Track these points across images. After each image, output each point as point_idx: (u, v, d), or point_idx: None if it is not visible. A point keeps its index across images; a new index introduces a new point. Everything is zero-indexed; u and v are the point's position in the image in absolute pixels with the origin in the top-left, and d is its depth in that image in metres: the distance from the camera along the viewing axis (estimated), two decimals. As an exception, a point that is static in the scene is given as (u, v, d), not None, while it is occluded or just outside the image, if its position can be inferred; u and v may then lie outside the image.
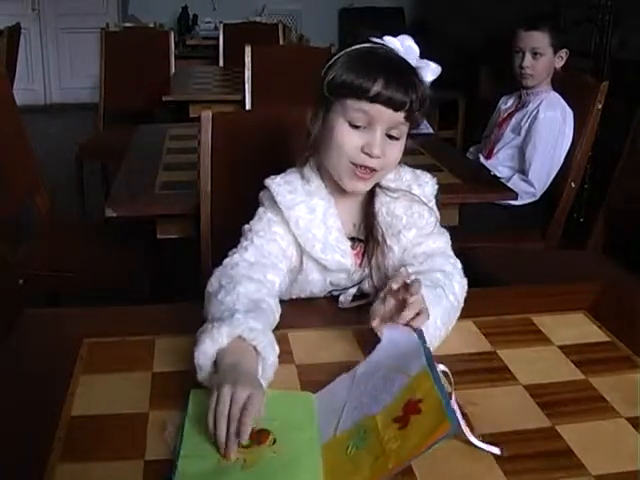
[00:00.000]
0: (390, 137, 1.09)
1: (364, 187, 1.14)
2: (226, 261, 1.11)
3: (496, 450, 0.82)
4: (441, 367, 0.88)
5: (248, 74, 3.10)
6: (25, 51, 5.93)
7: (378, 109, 1.06)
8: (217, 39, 4.57)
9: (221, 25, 4.58)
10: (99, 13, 6.21)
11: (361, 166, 1.09)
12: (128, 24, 5.38)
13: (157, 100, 3.27)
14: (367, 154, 1.08)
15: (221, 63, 4.39)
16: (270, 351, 0.93)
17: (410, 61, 1.09)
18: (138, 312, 1.17)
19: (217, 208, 1.65)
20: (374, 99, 1.05)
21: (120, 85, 3.69)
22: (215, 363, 0.91)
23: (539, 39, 2.34)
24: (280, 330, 1.07)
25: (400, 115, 1.07)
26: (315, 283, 1.18)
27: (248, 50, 3.12)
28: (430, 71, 1.10)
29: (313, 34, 5.13)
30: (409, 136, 1.14)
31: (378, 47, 1.10)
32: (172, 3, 6.39)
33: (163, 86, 3.44)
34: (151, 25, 4.88)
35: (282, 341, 1.04)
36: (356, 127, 1.08)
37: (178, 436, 0.83)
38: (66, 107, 6.23)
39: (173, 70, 3.89)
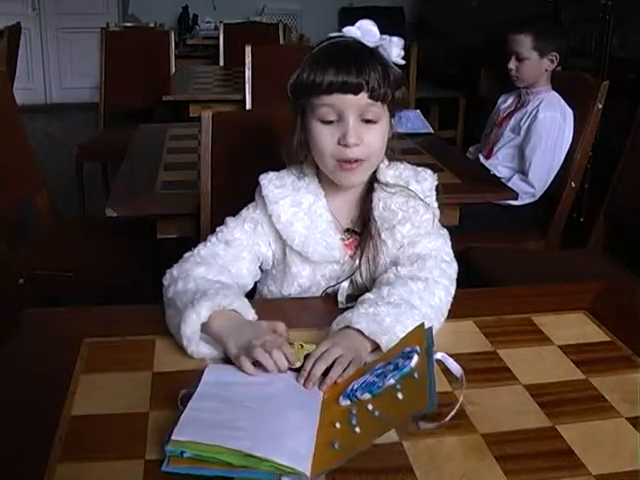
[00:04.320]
0: (367, 121, 1.10)
1: (357, 179, 1.16)
2: (186, 255, 1.16)
3: (458, 369, 0.89)
4: (439, 355, 0.90)
5: (248, 74, 3.10)
6: (25, 51, 5.93)
7: (338, 98, 1.08)
8: (217, 39, 4.58)
9: (221, 25, 4.58)
10: (99, 13, 6.22)
11: (345, 160, 1.11)
12: (128, 24, 5.38)
13: (157, 100, 3.28)
14: (345, 145, 1.09)
15: (221, 63, 4.39)
16: (248, 312, 1.03)
17: (370, 43, 1.10)
18: (138, 312, 1.17)
19: (217, 208, 1.65)
20: (330, 89, 1.07)
21: (120, 85, 3.69)
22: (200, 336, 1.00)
23: (521, 43, 2.36)
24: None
25: (363, 97, 1.08)
26: (302, 276, 1.20)
27: (248, 50, 3.12)
28: (394, 46, 1.11)
29: (313, 34, 5.12)
30: (397, 132, 1.15)
31: (336, 41, 1.11)
32: (172, 3, 6.39)
33: (163, 86, 3.44)
34: (151, 25, 4.89)
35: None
36: (329, 122, 1.10)
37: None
38: (66, 107, 6.23)
39: (173, 70, 3.89)
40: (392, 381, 0.87)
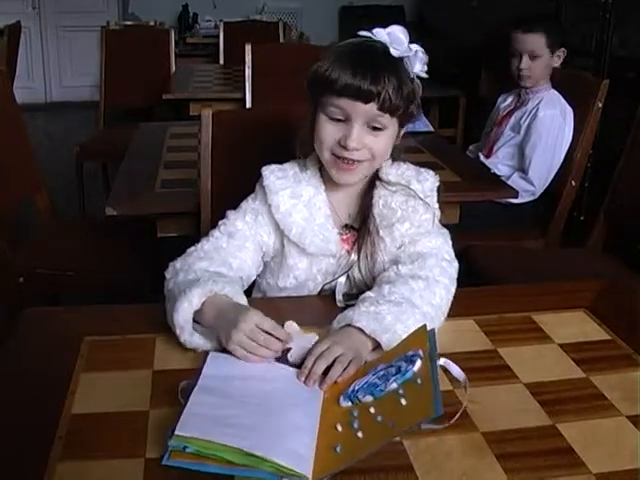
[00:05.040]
0: (373, 128, 1.10)
1: (352, 178, 1.16)
2: (189, 250, 1.16)
3: (461, 374, 0.90)
4: (441, 361, 0.90)
5: (248, 72, 3.10)
6: (25, 49, 5.93)
7: (348, 103, 1.07)
8: (217, 37, 4.57)
9: (221, 23, 4.58)
10: (99, 11, 6.22)
11: (342, 158, 1.11)
12: (128, 22, 5.37)
13: (157, 98, 3.27)
14: (344, 147, 1.10)
15: (221, 61, 4.39)
16: (239, 297, 1.04)
17: (397, 51, 1.08)
18: (139, 310, 1.17)
19: (217, 206, 1.65)
20: (342, 92, 1.07)
21: (120, 83, 3.69)
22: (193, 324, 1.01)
23: (536, 41, 2.34)
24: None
25: (372, 107, 1.07)
26: (299, 268, 1.20)
27: (248, 48, 3.11)
28: (418, 60, 1.10)
29: (313, 32, 5.14)
30: (407, 132, 1.15)
31: (362, 40, 1.10)
32: (172, 1, 6.39)
33: (163, 84, 3.44)
34: (151, 23, 4.89)
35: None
36: (336, 120, 1.10)
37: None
38: (66, 105, 6.23)
39: (173, 68, 3.89)
40: (395, 385, 0.87)
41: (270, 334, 0.96)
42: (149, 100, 3.64)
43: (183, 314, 1.00)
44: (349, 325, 1.01)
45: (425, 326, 0.97)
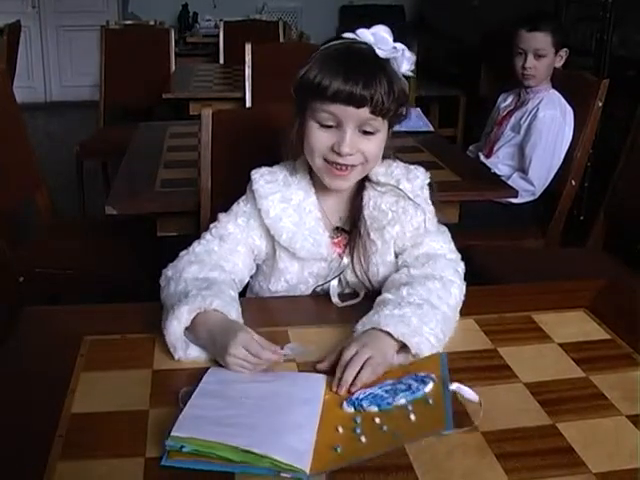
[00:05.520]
0: (365, 132, 1.09)
1: (345, 184, 1.15)
2: (181, 253, 1.16)
3: (474, 397, 0.89)
4: (454, 386, 0.92)
5: (248, 72, 3.10)
6: (25, 49, 5.93)
7: (340, 108, 1.06)
8: (217, 37, 4.57)
9: (221, 23, 4.58)
10: (99, 11, 6.22)
11: (335, 163, 1.10)
12: (128, 22, 5.38)
13: (157, 98, 3.27)
14: (338, 153, 1.08)
15: (221, 61, 4.39)
16: (230, 308, 1.01)
17: (383, 52, 1.07)
18: (138, 310, 1.17)
19: (217, 205, 1.65)
20: (334, 98, 1.05)
21: (120, 83, 3.69)
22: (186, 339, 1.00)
23: (542, 40, 2.33)
24: (280, 327, 1.07)
25: (365, 111, 1.06)
26: (290, 272, 1.19)
27: (248, 48, 3.12)
28: (405, 60, 1.09)
29: (313, 32, 5.13)
30: (392, 131, 1.14)
31: (348, 43, 1.09)
32: (172, 1, 6.39)
33: (163, 84, 3.44)
34: (151, 23, 4.89)
35: (282, 337, 1.05)
36: (327, 127, 1.09)
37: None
38: (66, 105, 6.23)
39: (173, 68, 3.89)
40: (403, 401, 0.88)
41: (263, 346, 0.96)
42: (149, 99, 3.65)
43: (173, 332, 0.99)
44: (374, 328, 1.01)
45: (439, 353, 0.99)
